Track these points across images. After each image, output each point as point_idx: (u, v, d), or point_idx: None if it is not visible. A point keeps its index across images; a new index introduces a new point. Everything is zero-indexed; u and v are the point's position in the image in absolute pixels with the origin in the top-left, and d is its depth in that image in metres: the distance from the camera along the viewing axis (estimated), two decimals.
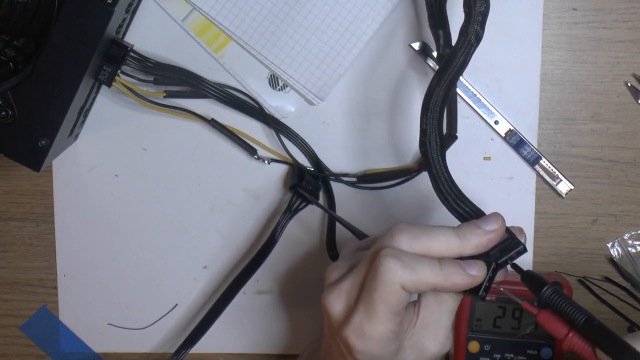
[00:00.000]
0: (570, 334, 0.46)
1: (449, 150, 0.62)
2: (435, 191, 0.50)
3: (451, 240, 0.47)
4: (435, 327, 0.50)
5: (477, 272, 0.46)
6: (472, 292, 0.47)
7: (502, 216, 0.48)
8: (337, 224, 0.66)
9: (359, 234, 0.61)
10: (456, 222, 0.49)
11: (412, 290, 0.46)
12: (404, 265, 0.45)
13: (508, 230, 0.48)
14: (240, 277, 0.65)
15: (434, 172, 0.50)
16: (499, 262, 0.47)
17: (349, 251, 0.53)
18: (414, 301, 0.50)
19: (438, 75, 0.51)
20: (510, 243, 0.47)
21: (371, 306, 0.46)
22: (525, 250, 0.47)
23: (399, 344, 0.48)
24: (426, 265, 0.46)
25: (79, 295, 0.69)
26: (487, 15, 0.51)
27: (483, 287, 0.47)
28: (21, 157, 0.58)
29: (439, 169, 0.50)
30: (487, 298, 0.61)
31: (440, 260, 0.47)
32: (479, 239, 0.47)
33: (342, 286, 0.48)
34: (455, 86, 0.63)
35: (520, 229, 0.49)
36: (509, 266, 0.48)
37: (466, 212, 0.49)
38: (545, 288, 0.46)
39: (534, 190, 0.67)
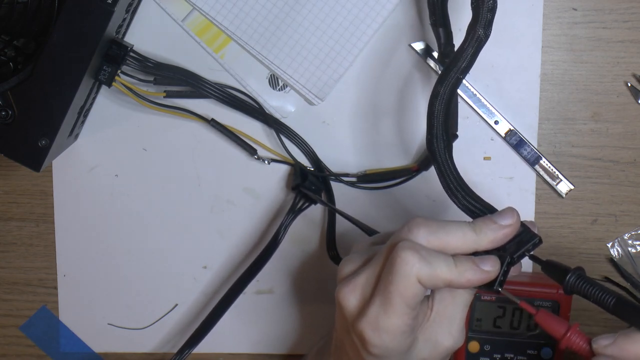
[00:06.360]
0: (569, 333, 0.47)
1: None
2: (444, 188, 0.50)
3: (467, 235, 0.47)
4: (449, 321, 0.50)
5: (490, 268, 0.47)
6: (487, 287, 0.47)
7: (517, 211, 0.48)
8: (337, 224, 0.66)
9: (368, 231, 0.61)
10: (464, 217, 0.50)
11: (427, 285, 0.46)
12: (421, 258, 0.45)
13: (522, 223, 0.48)
14: (244, 277, 0.65)
15: (443, 169, 0.50)
16: (516, 255, 0.47)
17: (362, 246, 0.53)
18: (428, 295, 0.50)
19: (445, 73, 0.51)
20: (525, 236, 0.48)
21: (387, 299, 0.46)
22: (541, 241, 0.48)
23: (413, 337, 0.49)
24: (442, 261, 0.46)
25: (79, 295, 0.69)
26: (495, 11, 0.51)
27: (497, 281, 0.47)
28: (21, 157, 0.58)
29: (446, 166, 0.50)
30: (487, 298, 0.62)
31: (455, 257, 0.47)
32: (494, 234, 0.47)
33: (357, 279, 0.48)
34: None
35: (532, 222, 0.49)
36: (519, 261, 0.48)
37: (477, 208, 0.49)
38: (569, 275, 0.46)
39: (534, 190, 0.67)
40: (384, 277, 0.47)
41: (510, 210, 0.48)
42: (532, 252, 0.48)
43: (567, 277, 0.46)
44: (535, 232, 0.48)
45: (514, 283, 0.61)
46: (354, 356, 0.50)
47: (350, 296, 0.48)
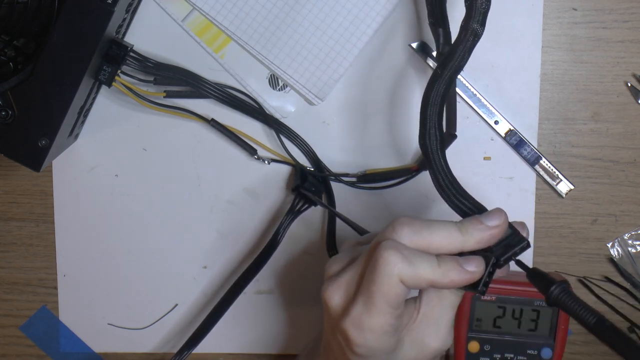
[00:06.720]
0: None
1: (448, 149, 0.62)
2: (435, 186, 0.50)
3: (453, 235, 0.46)
4: (436, 322, 0.49)
5: (474, 268, 0.46)
6: (472, 288, 0.47)
7: (504, 212, 0.47)
8: (337, 225, 0.66)
9: (363, 233, 0.60)
10: (457, 217, 0.49)
11: (410, 285, 0.46)
12: (403, 258, 0.45)
13: (511, 225, 0.47)
14: (243, 277, 0.65)
15: (434, 166, 0.49)
16: (503, 258, 0.47)
17: (349, 245, 0.53)
18: (415, 296, 0.50)
19: (439, 69, 0.51)
20: (514, 239, 0.47)
21: (370, 298, 0.46)
22: (528, 246, 0.47)
23: (397, 338, 0.48)
24: (425, 261, 0.46)
25: (79, 295, 0.69)
26: (488, 10, 0.51)
27: (482, 282, 0.46)
28: (21, 157, 0.58)
29: (438, 163, 0.49)
30: (487, 298, 0.62)
31: (439, 256, 0.46)
32: (481, 234, 0.46)
33: (341, 278, 0.48)
34: (455, 82, 0.63)
35: (522, 224, 0.48)
36: (512, 262, 0.48)
37: (467, 207, 0.49)
38: (553, 287, 0.45)
39: (534, 190, 0.67)
40: (366, 276, 0.46)
41: (498, 211, 0.47)
42: (518, 257, 0.47)
43: (551, 290, 0.45)
44: (525, 234, 0.47)
45: (514, 283, 0.61)
46: (340, 356, 0.50)
47: (335, 295, 0.48)
